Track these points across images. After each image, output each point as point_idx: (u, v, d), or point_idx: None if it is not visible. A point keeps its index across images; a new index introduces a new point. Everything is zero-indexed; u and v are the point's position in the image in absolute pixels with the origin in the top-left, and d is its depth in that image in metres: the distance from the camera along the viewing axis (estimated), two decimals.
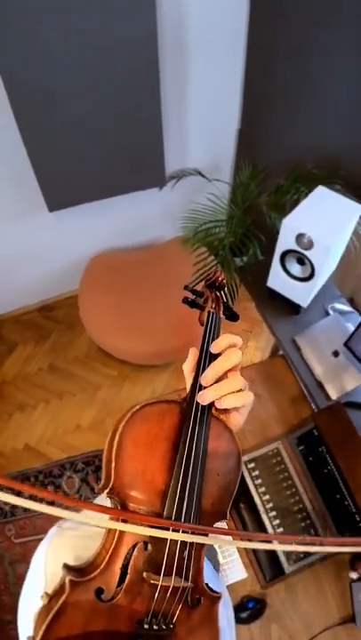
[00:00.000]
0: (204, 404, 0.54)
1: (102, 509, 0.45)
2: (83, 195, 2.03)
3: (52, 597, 0.47)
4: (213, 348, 0.58)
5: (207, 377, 0.54)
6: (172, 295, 2.22)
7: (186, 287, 0.77)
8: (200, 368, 0.58)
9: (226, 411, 0.57)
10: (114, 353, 2.28)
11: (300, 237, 1.32)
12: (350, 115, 1.72)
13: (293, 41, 1.70)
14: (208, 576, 0.56)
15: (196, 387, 0.56)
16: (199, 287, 0.78)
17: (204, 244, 1.91)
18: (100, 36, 1.53)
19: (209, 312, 0.69)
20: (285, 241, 1.36)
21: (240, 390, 0.55)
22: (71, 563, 0.52)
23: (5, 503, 1.82)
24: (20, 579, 1.62)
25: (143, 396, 2.31)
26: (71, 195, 2.01)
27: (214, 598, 0.55)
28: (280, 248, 1.41)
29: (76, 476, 2.04)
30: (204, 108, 2.05)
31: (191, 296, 0.74)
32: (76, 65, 1.56)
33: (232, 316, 0.74)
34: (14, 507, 1.75)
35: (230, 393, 0.54)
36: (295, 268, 1.46)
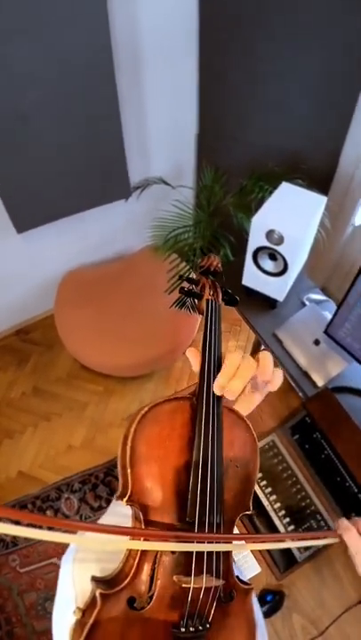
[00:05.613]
0: (233, 398, 0.52)
1: (122, 531, 0.44)
2: (50, 212, 2.02)
3: (85, 611, 0.46)
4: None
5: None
6: (147, 304, 2.23)
7: (181, 277, 0.74)
8: (206, 358, 0.57)
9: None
10: (96, 368, 2.26)
11: (270, 234, 1.35)
12: (304, 112, 1.77)
13: (244, 42, 1.73)
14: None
15: (204, 380, 0.54)
16: (195, 276, 0.74)
17: (175, 251, 1.92)
18: (57, 51, 1.52)
19: (207, 300, 0.66)
20: (256, 239, 1.39)
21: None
22: (98, 574, 0.51)
23: (7, 534, 1.77)
24: (31, 608, 1.58)
25: (131, 409, 2.29)
26: (38, 213, 1.98)
27: (247, 590, 0.54)
28: (252, 246, 1.43)
29: (74, 496, 2.00)
30: (162, 116, 2.06)
31: (188, 285, 0.71)
32: (35, 82, 1.55)
33: (232, 301, 0.72)
34: (16, 536, 1.70)
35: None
36: (268, 264, 1.49)
